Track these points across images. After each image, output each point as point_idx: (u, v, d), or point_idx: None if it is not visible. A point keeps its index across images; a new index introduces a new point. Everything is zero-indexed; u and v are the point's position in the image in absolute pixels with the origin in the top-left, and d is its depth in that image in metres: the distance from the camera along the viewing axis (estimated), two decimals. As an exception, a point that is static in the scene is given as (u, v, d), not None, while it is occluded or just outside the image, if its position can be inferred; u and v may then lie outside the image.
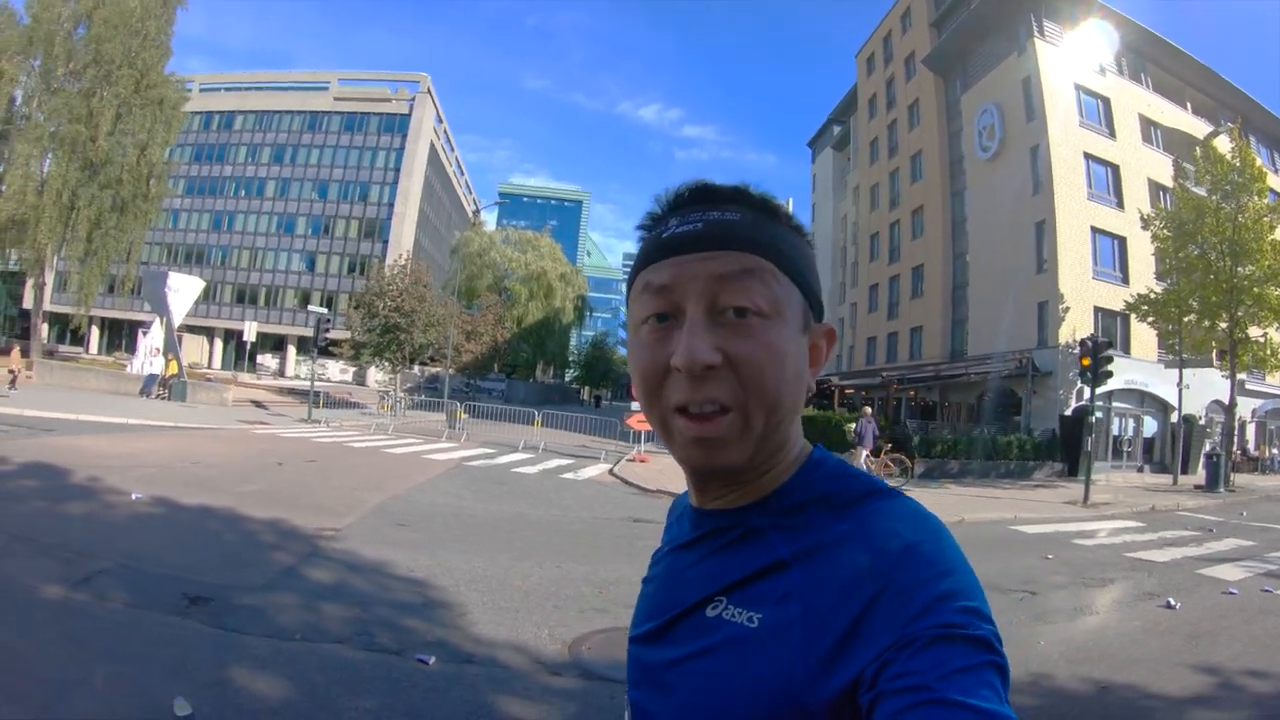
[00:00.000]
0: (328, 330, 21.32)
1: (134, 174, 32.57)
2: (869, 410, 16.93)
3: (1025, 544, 9.75)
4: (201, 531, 6.63)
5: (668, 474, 14.20)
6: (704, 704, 0.65)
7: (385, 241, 56.15)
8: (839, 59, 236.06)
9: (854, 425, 16.31)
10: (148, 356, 26.91)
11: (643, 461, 16.37)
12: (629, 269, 0.79)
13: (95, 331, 54.41)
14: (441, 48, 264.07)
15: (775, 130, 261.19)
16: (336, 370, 50.79)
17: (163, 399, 22.52)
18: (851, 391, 31.32)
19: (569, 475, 13.80)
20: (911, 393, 30.22)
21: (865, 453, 15.58)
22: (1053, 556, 8.71)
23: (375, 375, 46.76)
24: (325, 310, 24.27)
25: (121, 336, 55.47)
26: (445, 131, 68.65)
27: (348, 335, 27.74)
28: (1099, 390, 15.70)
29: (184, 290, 28.60)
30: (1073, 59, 27.50)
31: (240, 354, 55.28)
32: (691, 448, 0.69)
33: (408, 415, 22.52)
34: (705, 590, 0.71)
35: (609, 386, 77.02)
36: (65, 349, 46.46)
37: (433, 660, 4.06)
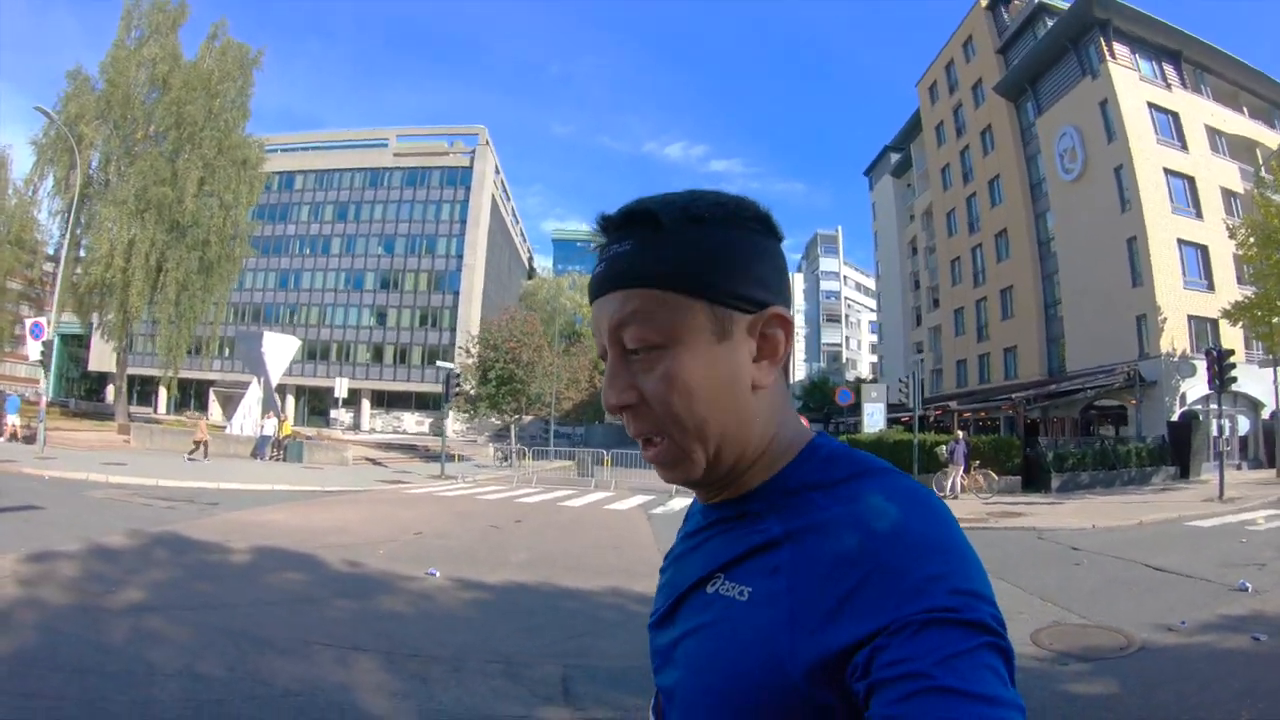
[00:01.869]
0: (457, 387, 20.85)
1: (220, 235, 32.68)
2: (960, 434, 18.20)
3: (1211, 535, 10.46)
4: (566, 613, 5.99)
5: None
6: (700, 676, 0.66)
7: (456, 293, 56.16)
8: (863, 87, 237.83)
9: (944, 447, 17.72)
10: (248, 418, 26.61)
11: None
12: None
13: (162, 391, 54.65)
14: (467, 101, 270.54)
15: (801, 159, 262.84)
16: (412, 422, 50.43)
17: (277, 460, 22.06)
18: (969, 415, 30.58)
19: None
20: (1014, 411, 29.68)
21: (958, 470, 17.07)
22: (1245, 540, 9.61)
23: (452, 426, 46.32)
24: (453, 366, 23.86)
25: (189, 396, 55.58)
26: (502, 182, 68.85)
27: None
28: (1202, 394, 16.95)
29: (279, 349, 28.49)
30: (1143, 78, 28.36)
31: (314, 410, 55.31)
32: (654, 466, 0.72)
33: (527, 465, 21.85)
34: (705, 569, 0.72)
35: None
36: (134, 409, 46.47)
37: None
